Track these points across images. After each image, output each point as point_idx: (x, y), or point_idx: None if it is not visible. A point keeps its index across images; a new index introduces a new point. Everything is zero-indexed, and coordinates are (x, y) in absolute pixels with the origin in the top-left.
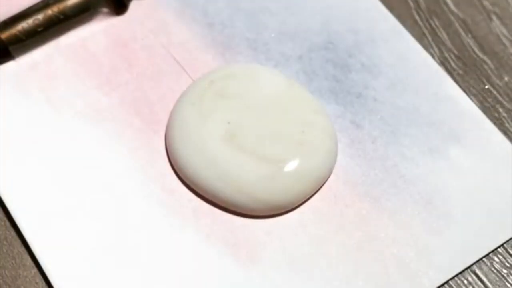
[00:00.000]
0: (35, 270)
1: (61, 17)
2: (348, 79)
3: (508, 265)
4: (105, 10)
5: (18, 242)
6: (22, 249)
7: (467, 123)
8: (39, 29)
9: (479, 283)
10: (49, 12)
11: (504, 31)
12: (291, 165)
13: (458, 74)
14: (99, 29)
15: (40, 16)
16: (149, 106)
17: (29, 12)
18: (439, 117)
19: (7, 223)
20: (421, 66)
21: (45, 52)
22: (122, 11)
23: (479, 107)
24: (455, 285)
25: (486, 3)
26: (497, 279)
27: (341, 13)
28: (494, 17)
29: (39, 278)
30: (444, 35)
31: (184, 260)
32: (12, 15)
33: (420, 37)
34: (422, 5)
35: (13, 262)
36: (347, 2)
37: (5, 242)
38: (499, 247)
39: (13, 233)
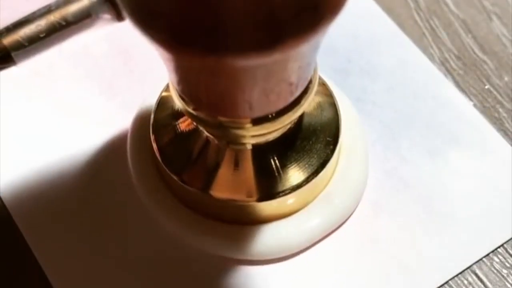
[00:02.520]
0: (36, 270)
1: (63, 23)
2: (347, 83)
3: (508, 265)
4: (106, 16)
5: (18, 242)
6: (22, 250)
7: (466, 126)
8: (41, 35)
9: (479, 283)
10: (51, 18)
11: (504, 31)
12: None
13: (458, 74)
14: (101, 35)
15: (42, 22)
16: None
17: (32, 18)
18: (438, 120)
19: (7, 223)
20: (420, 69)
21: (47, 58)
22: (123, 17)
23: (479, 107)
24: (455, 285)
25: (486, 3)
26: (497, 279)
27: (339, 18)
28: (494, 17)
29: (40, 278)
30: (444, 35)
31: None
32: (15, 21)
33: (420, 37)
34: (422, 5)
35: (14, 262)
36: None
37: (5, 242)
38: (499, 247)
39: (13, 233)
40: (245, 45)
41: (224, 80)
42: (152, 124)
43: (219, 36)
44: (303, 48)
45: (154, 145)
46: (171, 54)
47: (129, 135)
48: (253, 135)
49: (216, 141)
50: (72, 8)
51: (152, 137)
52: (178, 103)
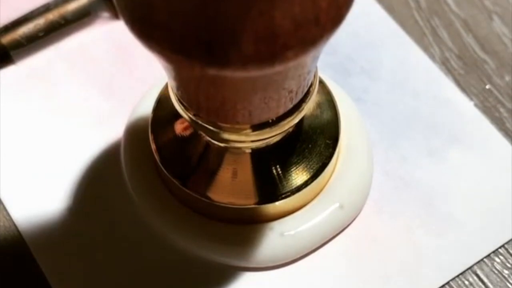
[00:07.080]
0: (36, 271)
1: (62, 21)
2: (347, 83)
3: (509, 265)
4: (105, 14)
5: (17, 242)
6: (23, 250)
7: (467, 126)
8: (40, 34)
9: (480, 283)
10: (50, 16)
11: (505, 30)
12: None
13: (459, 74)
14: (100, 33)
15: (41, 21)
16: None
17: (30, 17)
18: (438, 120)
19: (7, 223)
20: (420, 69)
21: (46, 56)
22: None
23: (480, 107)
24: (456, 286)
25: (487, 3)
26: (498, 279)
27: None
28: (495, 17)
29: (41, 279)
30: (444, 35)
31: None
32: (13, 19)
33: (420, 37)
34: (423, 4)
35: (14, 262)
36: None
37: (5, 242)
38: (500, 247)
39: (13, 232)
40: (245, 58)
41: (223, 89)
42: (151, 123)
43: (219, 48)
44: (304, 59)
45: (153, 145)
46: (170, 65)
47: (123, 134)
48: (252, 140)
49: (215, 144)
50: (71, 7)
51: (150, 137)
52: (177, 108)
